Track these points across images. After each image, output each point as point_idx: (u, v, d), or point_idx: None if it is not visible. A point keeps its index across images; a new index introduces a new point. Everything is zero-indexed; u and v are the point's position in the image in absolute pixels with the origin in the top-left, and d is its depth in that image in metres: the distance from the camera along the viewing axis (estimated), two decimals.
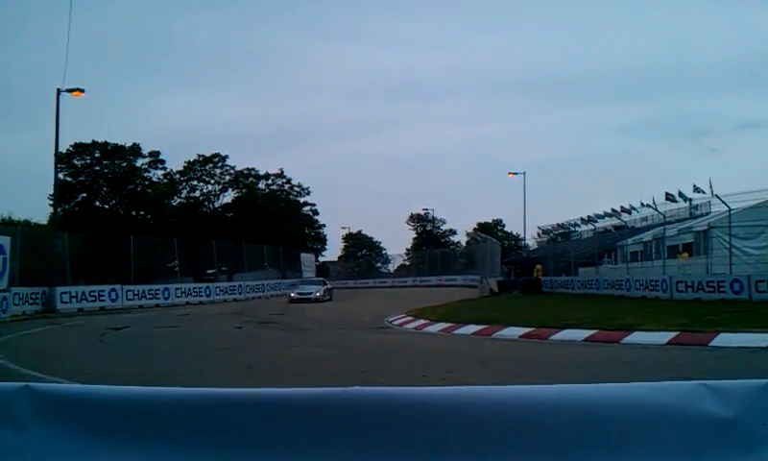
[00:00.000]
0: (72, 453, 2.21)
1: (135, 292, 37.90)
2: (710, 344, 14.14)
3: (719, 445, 1.95)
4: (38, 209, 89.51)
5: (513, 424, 2.06)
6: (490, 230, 76.37)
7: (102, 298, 35.52)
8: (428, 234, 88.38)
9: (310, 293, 42.53)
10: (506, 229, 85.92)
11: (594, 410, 2.04)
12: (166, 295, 39.92)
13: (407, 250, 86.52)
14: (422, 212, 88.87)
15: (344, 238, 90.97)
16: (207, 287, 44.88)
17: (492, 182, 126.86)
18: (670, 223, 40.64)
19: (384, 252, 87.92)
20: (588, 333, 16.67)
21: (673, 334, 15.45)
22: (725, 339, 14.37)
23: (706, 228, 33.92)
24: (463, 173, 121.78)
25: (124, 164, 64.97)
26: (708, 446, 1.96)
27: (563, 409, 2.05)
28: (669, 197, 45.43)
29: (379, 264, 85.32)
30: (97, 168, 64.14)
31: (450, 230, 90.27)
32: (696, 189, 41.98)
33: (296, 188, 72.90)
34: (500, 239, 66.79)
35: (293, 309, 33.37)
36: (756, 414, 1.92)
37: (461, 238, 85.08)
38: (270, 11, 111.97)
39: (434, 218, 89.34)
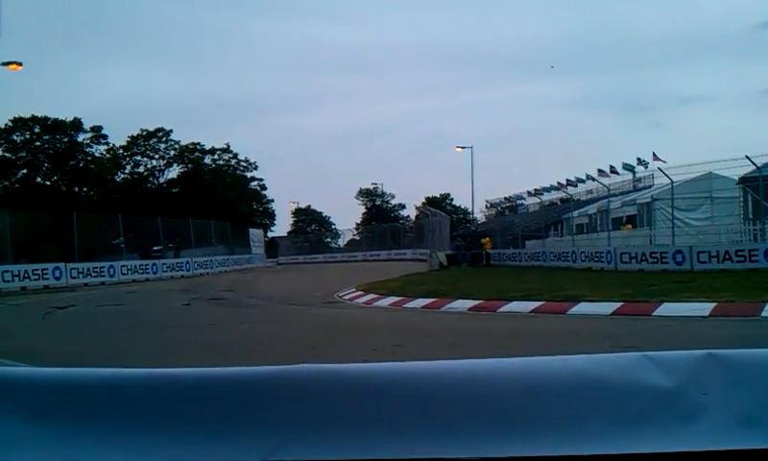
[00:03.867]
0: (6, 436, 2.13)
1: (80, 270, 37.21)
2: (654, 314, 14.48)
3: (660, 414, 1.99)
4: None
5: (461, 399, 2.06)
6: (438, 204, 76.86)
7: (45, 276, 34.77)
8: (378, 209, 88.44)
9: None
10: (454, 202, 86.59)
11: (540, 382, 2.05)
12: (111, 272, 39.17)
13: (357, 224, 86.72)
14: (372, 187, 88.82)
15: (293, 213, 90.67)
16: (154, 264, 44.09)
17: (441, 157, 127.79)
18: (614, 195, 41.42)
19: (334, 227, 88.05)
20: (535, 305, 16.89)
21: (618, 304, 15.75)
22: (668, 309, 14.71)
23: (649, 200, 34.74)
24: (412, 147, 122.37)
25: (65, 140, 63.19)
26: (649, 415, 2.00)
27: (509, 382, 2.06)
28: (614, 170, 46.37)
29: (329, 239, 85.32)
30: (38, 143, 62.30)
31: (400, 204, 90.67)
32: (640, 162, 42.97)
33: (243, 163, 72.14)
34: (449, 213, 67.25)
35: (242, 285, 33.08)
36: (696, 384, 1.97)
37: (410, 212, 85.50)
38: None
39: (383, 193, 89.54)
